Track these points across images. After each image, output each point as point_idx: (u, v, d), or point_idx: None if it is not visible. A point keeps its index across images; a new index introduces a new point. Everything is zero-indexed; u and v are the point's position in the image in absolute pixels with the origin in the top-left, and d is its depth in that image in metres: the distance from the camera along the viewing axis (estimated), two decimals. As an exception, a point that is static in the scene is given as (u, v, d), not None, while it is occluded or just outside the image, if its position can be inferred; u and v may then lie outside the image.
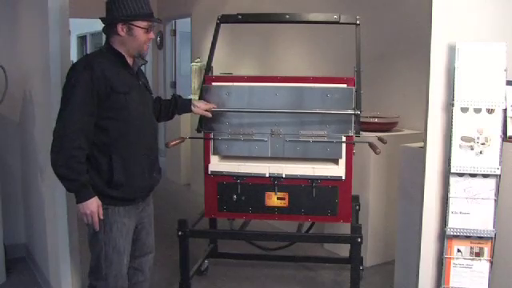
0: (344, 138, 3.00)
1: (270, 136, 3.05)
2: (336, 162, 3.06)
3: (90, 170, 2.36)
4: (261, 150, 3.07)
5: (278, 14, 3.44)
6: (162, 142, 8.46)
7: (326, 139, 3.00)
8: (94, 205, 2.34)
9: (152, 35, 2.46)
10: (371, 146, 3.01)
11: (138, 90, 2.47)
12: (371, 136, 3.92)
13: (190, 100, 3.01)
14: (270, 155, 3.08)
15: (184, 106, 2.95)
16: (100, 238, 2.41)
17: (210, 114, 3.02)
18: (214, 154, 3.14)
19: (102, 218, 2.37)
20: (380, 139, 3.34)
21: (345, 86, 2.99)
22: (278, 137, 3.04)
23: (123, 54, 2.43)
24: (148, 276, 2.68)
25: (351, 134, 2.99)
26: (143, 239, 2.62)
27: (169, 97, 3.12)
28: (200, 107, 2.98)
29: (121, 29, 2.38)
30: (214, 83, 3.11)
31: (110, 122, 2.36)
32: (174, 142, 3.19)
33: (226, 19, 3.32)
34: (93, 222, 2.36)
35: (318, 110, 2.98)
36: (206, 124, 3.12)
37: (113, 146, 2.37)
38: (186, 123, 6.50)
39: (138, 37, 2.40)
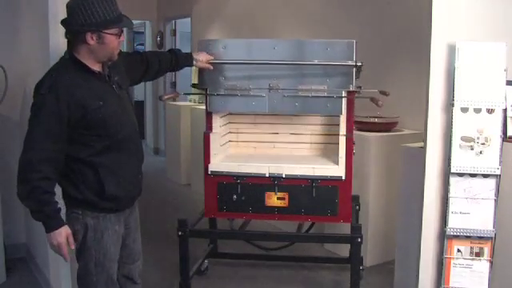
0: (345, 94, 2.92)
1: (268, 91, 2.97)
2: (336, 161, 3.06)
3: (78, 183, 2.27)
4: (258, 105, 3.00)
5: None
6: (161, 141, 8.49)
7: (325, 94, 2.92)
8: (62, 235, 2.21)
9: (123, 38, 2.30)
10: (373, 99, 2.92)
11: (112, 98, 2.31)
12: (371, 135, 3.94)
13: (191, 54, 2.93)
14: (267, 111, 3.03)
15: (185, 61, 2.90)
16: (90, 245, 2.33)
17: (211, 67, 2.95)
18: (209, 110, 3.07)
19: (72, 247, 2.27)
20: (382, 92, 3.19)
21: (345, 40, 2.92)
22: (276, 92, 2.96)
23: (89, 65, 2.24)
24: (139, 281, 2.64)
25: (352, 88, 2.92)
26: (130, 245, 2.55)
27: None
28: (202, 61, 2.92)
29: (90, 38, 2.18)
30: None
31: (90, 138, 2.25)
32: (168, 96, 3.18)
33: None
34: (61, 254, 2.24)
35: (317, 62, 2.90)
36: (202, 79, 3.04)
37: (97, 159, 2.26)
38: (186, 121, 6.51)
39: (109, 44, 2.22)
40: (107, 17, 2.19)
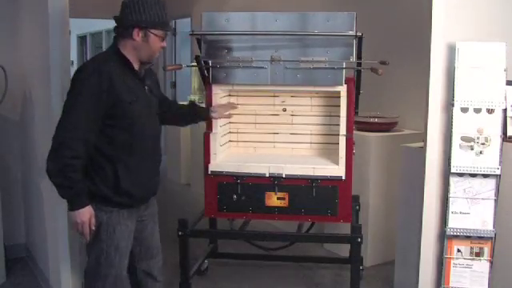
0: (345, 65, 2.94)
1: (270, 63, 2.99)
2: (336, 161, 3.06)
3: (95, 177, 2.33)
4: (260, 77, 3.02)
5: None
6: (161, 141, 8.48)
7: (326, 65, 2.94)
8: (86, 215, 2.29)
9: (165, 44, 2.43)
10: (373, 69, 2.92)
11: (143, 97, 2.42)
12: (371, 135, 3.94)
13: (208, 108, 3.02)
14: (269, 83, 3.03)
15: (202, 113, 3.01)
16: (102, 238, 2.38)
17: (230, 116, 3.18)
18: (212, 82, 3.08)
19: (93, 228, 2.33)
20: (382, 62, 3.13)
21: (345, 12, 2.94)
22: (277, 64, 2.99)
23: (130, 60, 2.36)
24: (160, 279, 2.67)
25: (352, 59, 2.94)
26: (148, 240, 2.60)
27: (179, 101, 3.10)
28: (220, 113, 3.05)
29: (137, 33, 2.32)
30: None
31: (113, 131, 2.32)
32: (172, 67, 3.43)
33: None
34: (83, 233, 2.32)
35: (318, 32, 2.92)
36: (205, 52, 3.06)
37: (117, 155, 2.33)
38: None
39: (152, 44, 2.36)
40: (156, 19, 2.33)
